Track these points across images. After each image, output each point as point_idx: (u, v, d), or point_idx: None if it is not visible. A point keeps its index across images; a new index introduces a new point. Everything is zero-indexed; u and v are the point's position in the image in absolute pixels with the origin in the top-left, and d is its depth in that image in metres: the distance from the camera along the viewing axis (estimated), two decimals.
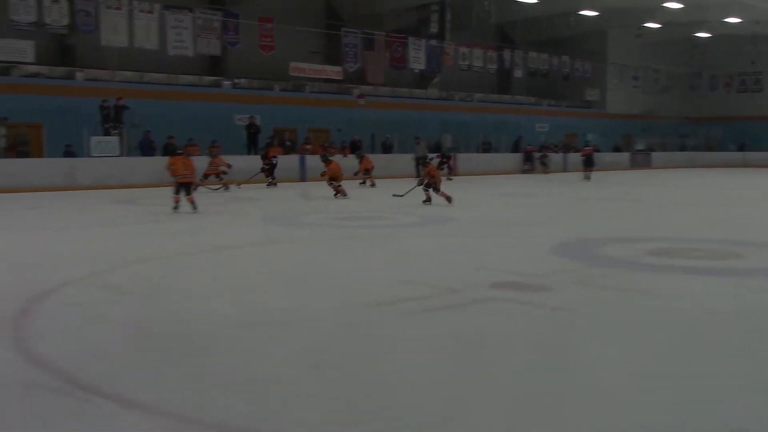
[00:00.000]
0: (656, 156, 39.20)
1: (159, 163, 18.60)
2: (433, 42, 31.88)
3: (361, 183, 21.50)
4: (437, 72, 33.04)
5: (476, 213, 14.22)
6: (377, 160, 23.64)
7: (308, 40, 29.03)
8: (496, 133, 32.87)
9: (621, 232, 11.13)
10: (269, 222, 12.65)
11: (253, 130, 24.77)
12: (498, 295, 6.42)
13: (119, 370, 4.40)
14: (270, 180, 20.84)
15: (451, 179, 23.37)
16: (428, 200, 14.94)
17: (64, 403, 3.90)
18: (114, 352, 4.81)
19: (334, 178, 17.13)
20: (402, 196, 15.78)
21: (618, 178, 27.80)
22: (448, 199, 14.67)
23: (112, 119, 21.59)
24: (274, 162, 21.11)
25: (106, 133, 21.36)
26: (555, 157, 32.34)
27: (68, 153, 20.80)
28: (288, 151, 24.97)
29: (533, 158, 31.36)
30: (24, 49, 22.02)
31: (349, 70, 29.18)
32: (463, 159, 29.37)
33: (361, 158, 22.05)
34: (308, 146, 25.07)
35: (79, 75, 23.88)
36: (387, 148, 27.78)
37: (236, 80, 27.19)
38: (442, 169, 25.01)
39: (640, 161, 38.06)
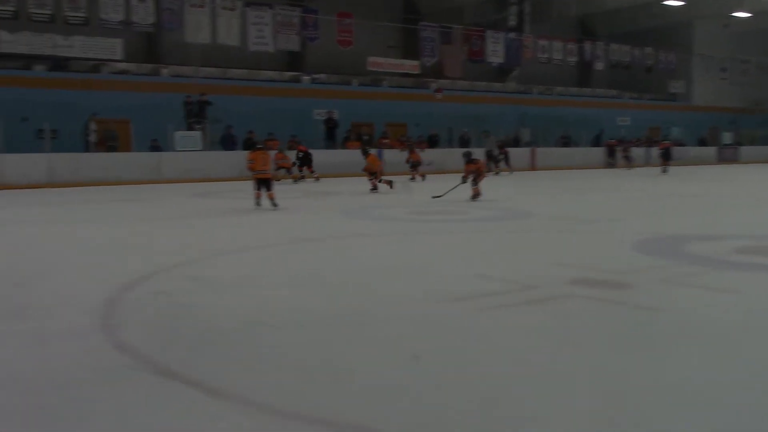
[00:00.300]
0: (745, 150, 37.74)
1: (239, 157, 19.12)
2: (512, 35, 31.52)
3: (411, 179, 21.32)
4: (516, 65, 32.68)
5: (554, 208, 14.01)
6: (441, 154, 23.58)
7: (386, 35, 29.15)
8: (575, 127, 32.27)
9: (705, 228, 10.77)
10: (349, 215, 12.75)
11: (331, 125, 25.05)
12: (577, 292, 6.30)
13: (204, 359, 4.52)
14: (301, 174, 20.91)
15: (500, 173, 22.87)
16: (477, 195, 14.65)
17: (150, 389, 4.03)
18: (199, 341, 4.94)
19: (372, 172, 17.26)
20: (441, 196, 15.06)
21: (703, 173, 26.90)
22: (477, 194, 14.43)
23: (195, 114, 22.20)
24: (300, 156, 21.06)
25: (190, 128, 21.96)
26: (637, 151, 31.53)
27: (154, 147, 21.47)
28: (366, 145, 25.10)
29: (616, 152, 30.65)
30: (113, 47, 22.89)
31: (426, 64, 29.15)
32: (541, 153, 28.97)
33: (411, 152, 21.96)
34: (385, 140, 25.18)
35: (165, 71, 24.61)
36: (465, 143, 27.62)
37: (315, 75, 27.51)
38: (499, 161, 24.75)
39: (728, 155, 36.73)
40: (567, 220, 11.88)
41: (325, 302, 6.07)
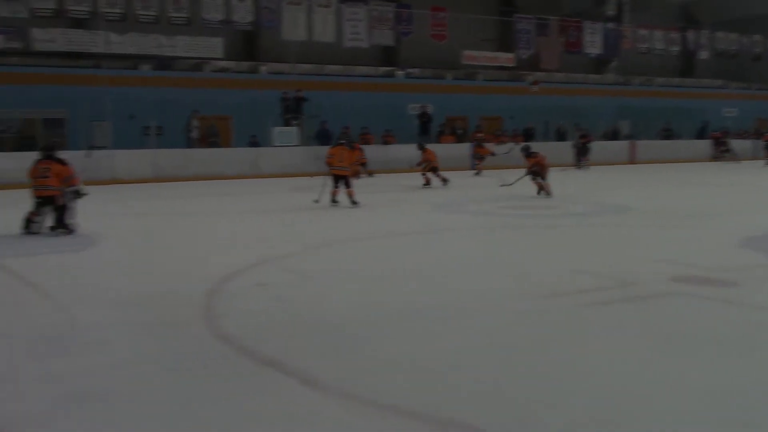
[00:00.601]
0: None
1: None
2: (611, 25, 30.67)
3: (476, 174, 20.99)
4: (614, 56, 31.76)
5: (655, 202, 13.56)
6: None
7: (480, 28, 28.87)
8: (678, 119, 31.09)
9: None
10: (442, 209, 12.72)
11: (425, 119, 25.04)
12: (680, 290, 6.10)
13: (300, 350, 4.62)
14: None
15: (583, 167, 22.24)
16: (541, 190, 14.17)
17: (250, 378, 4.17)
18: (296, 332, 5.06)
19: (433, 168, 17.07)
20: (511, 185, 14.96)
21: None
22: (548, 192, 13.96)
23: (292, 110, 22.62)
24: None
25: (287, 124, 22.40)
26: (744, 144, 30.11)
27: (253, 143, 22.03)
28: (460, 139, 24.98)
29: (721, 144, 29.35)
30: (214, 46, 23.62)
31: (522, 56, 28.73)
32: (642, 147, 28.10)
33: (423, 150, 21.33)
34: (479, 134, 24.97)
35: (263, 69, 25.18)
36: (561, 136, 27.09)
37: (409, 70, 27.55)
38: (585, 153, 23.93)
39: None
40: (668, 215, 11.50)
41: (423, 296, 6.10)
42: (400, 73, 27.34)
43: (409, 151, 19.18)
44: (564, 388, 3.94)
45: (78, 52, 22.39)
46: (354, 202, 12.50)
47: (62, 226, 9.62)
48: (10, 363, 4.41)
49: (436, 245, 9.04)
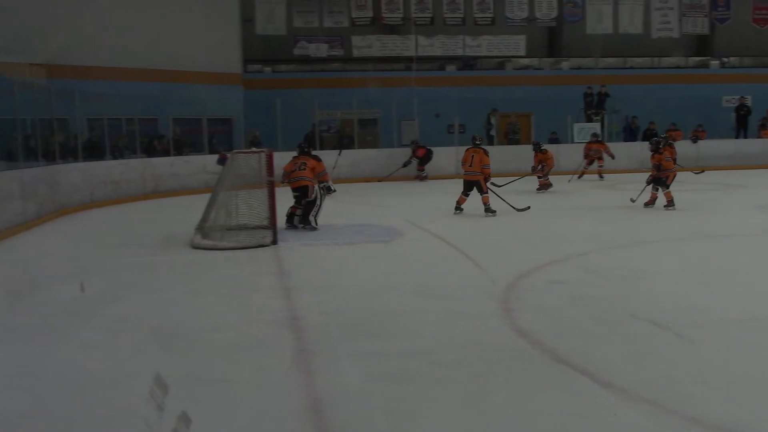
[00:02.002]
0: None
1: (638, 148, 18.70)
2: None
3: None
4: None
5: None
6: None
7: None
8: None
9: None
10: (764, 211, 11.62)
11: (743, 112, 22.97)
12: None
13: (595, 350, 4.58)
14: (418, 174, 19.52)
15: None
16: (651, 202, 11.98)
17: (545, 374, 4.22)
18: (592, 331, 5.02)
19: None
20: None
21: None
22: (670, 202, 11.67)
23: (594, 106, 22.13)
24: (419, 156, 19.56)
25: (588, 120, 21.96)
26: None
27: (552, 140, 21.91)
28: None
29: None
30: (517, 44, 23.93)
31: None
32: None
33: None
34: None
35: (565, 64, 24.93)
36: None
37: (725, 59, 25.45)
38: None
39: None
40: None
41: (725, 302, 5.71)
42: (714, 63, 25.37)
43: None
44: None
45: (391, 56, 24.03)
46: (489, 211, 11.43)
47: (308, 221, 10.24)
48: (328, 341, 4.93)
49: (751, 249, 8.32)
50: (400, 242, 9.24)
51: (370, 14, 23.85)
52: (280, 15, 23.35)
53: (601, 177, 18.48)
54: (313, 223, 10.31)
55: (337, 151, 17.81)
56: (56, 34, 17.06)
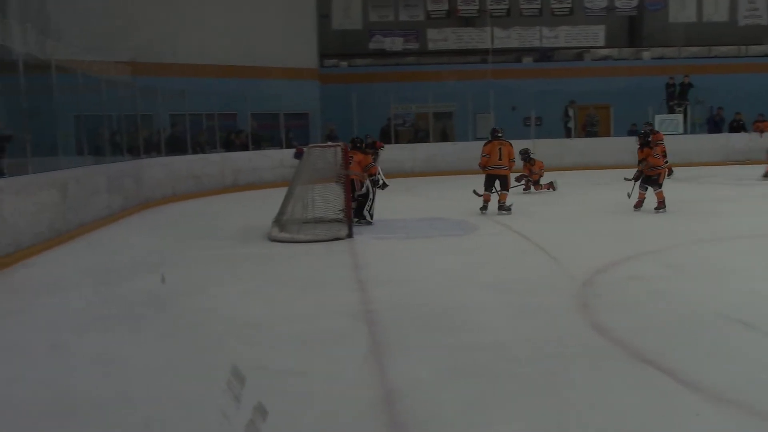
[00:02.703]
0: None
1: (723, 140, 18.11)
2: None
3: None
4: None
5: None
6: None
7: None
8: None
9: None
10: None
11: None
12: None
13: (676, 348, 4.45)
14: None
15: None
16: (639, 204, 10.84)
17: (623, 372, 4.13)
18: (672, 329, 4.88)
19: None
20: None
21: None
22: (661, 203, 10.60)
23: (676, 96, 21.49)
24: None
25: (671, 111, 21.34)
26: None
27: (632, 132, 21.39)
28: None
29: None
30: (595, 34, 23.45)
31: None
32: None
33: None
34: None
35: (646, 54, 24.29)
36: None
37: None
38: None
39: None
40: None
41: None
42: None
43: None
44: None
45: (467, 49, 23.88)
46: (504, 209, 10.82)
47: (362, 215, 10.17)
48: (401, 335, 4.95)
49: None
50: (474, 236, 9.19)
51: (446, 7, 23.77)
52: (356, 9, 23.51)
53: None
54: (368, 218, 10.30)
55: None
56: (139, 33, 17.63)
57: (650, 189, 10.74)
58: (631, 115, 21.32)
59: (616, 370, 4.14)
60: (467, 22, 24.24)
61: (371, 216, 10.33)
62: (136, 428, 3.53)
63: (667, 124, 20.76)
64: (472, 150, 19.57)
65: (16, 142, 9.49)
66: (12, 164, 9.58)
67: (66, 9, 16.26)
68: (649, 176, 10.74)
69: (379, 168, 10.77)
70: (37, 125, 9.94)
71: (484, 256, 7.92)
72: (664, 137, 15.43)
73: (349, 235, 9.15)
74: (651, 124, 11.36)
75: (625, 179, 11.23)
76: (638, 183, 10.87)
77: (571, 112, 21.51)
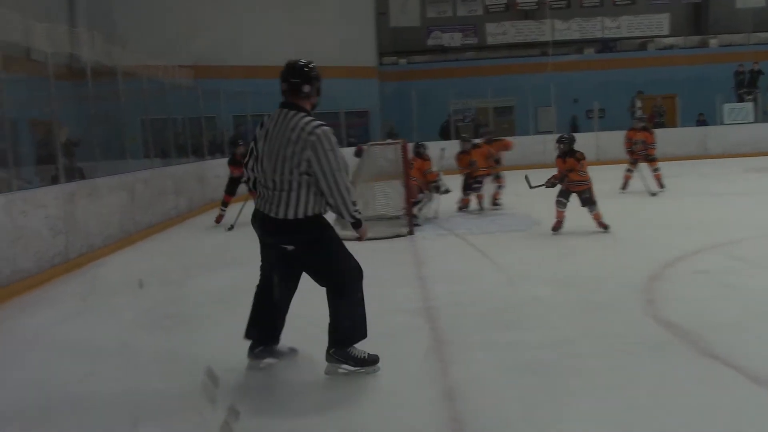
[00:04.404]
0: None
1: None
2: None
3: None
4: None
5: None
6: None
7: None
8: None
9: None
10: None
11: None
12: None
13: (747, 343, 4.31)
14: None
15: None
16: (558, 225, 8.72)
17: (690, 367, 4.03)
18: (743, 324, 4.72)
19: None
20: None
21: None
22: (601, 224, 8.55)
23: (746, 85, 20.84)
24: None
25: (740, 100, 20.71)
26: None
27: (700, 122, 20.86)
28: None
29: None
30: (659, 23, 22.92)
31: None
32: None
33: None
34: None
35: (713, 42, 23.63)
36: None
37: None
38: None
39: None
40: None
41: None
42: None
43: None
44: None
45: (526, 42, 23.63)
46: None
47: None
48: (462, 331, 4.93)
49: None
50: (537, 231, 9.10)
51: (504, 1, 23.55)
52: (414, 6, 23.50)
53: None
54: (419, 219, 10.15)
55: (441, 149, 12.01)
56: (201, 38, 17.99)
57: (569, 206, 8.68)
58: (698, 105, 20.78)
59: (683, 366, 4.05)
60: (526, 14, 23.98)
61: (423, 216, 10.31)
62: (201, 427, 3.60)
63: (737, 113, 20.16)
64: (533, 144, 19.46)
65: (86, 146, 9.81)
66: (82, 168, 9.91)
67: (131, 16, 16.73)
68: (583, 194, 8.63)
69: (440, 174, 10.68)
70: (106, 130, 10.25)
71: (546, 251, 7.84)
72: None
73: (410, 232, 9.16)
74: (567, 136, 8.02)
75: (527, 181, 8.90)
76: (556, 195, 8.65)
77: (637, 103, 21.08)
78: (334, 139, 3.89)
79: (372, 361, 4.10)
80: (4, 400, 4.10)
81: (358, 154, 11.27)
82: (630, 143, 12.91)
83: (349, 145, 17.95)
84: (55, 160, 8.38)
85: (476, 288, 6.17)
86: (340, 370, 4.06)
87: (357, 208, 3.99)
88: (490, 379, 3.98)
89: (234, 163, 11.06)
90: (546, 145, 19.47)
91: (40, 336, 5.41)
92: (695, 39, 24.13)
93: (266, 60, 18.98)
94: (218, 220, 11.30)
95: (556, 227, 8.70)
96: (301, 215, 3.86)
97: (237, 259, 8.19)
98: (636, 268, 6.46)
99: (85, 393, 4.14)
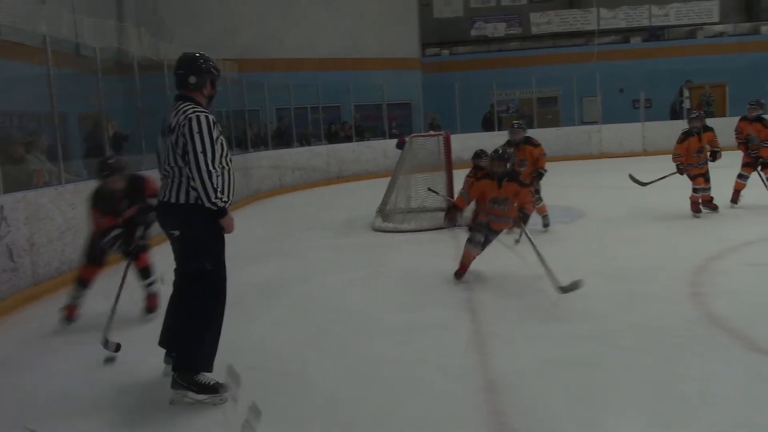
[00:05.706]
0: None
1: None
2: None
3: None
4: None
5: None
6: None
7: None
8: None
9: None
10: None
11: None
12: None
13: None
14: None
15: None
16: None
17: (736, 362, 3.95)
18: None
19: None
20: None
21: None
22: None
23: None
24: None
25: None
26: None
27: None
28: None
29: None
30: (709, 10, 22.42)
31: None
32: None
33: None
34: None
35: (764, 29, 23.01)
36: None
37: None
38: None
39: None
40: None
41: None
42: None
43: None
44: None
45: (571, 31, 23.33)
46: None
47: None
48: (505, 325, 4.91)
49: None
50: (581, 223, 9.00)
51: None
52: None
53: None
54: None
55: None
56: (246, 32, 18.15)
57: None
58: (749, 94, 20.23)
59: (729, 360, 3.97)
60: (571, 3, 23.66)
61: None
62: (224, 426, 3.65)
63: None
64: (577, 134, 19.22)
65: (133, 139, 9.97)
66: (129, 161, 10.06)
67: (177, 11, 16.93)
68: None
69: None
70: (152, 123, 10.41)
71: (591, 243, 7.75)
72: None
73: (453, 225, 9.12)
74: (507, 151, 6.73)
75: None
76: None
77: (686, 93, 20.66)
78: (206, 123, 3.80)
79: (218, 389, 3.83)
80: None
81: (400, 145, 11.26)
82: (741, 136, 9.89)
83: (392, 136, 17.99)
84: (103, 153, 8.53)
85: (518, 280, 6.14)
86: (186, 399, 3.81)
87: (222, 195, 3.75)
88: (533, 372, 3.96)
89: None
90: (591, 136, 19.26)
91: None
92: (746, 26, 23.52)
93: (310, 53, 19.12)
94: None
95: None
96: (182, 200, 3.79)
97: (279, 249, 8.28)
98: (683, 261, 6.35)
99: (117, 379, 4.22)
